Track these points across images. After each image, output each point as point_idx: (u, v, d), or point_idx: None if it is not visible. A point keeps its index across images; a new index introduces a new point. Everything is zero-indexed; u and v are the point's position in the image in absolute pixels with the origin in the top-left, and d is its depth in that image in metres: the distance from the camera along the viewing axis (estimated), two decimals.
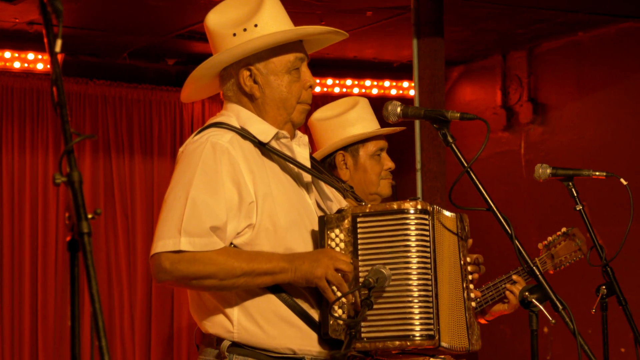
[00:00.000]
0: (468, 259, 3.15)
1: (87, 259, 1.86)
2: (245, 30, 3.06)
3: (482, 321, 3.89)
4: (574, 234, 3.98)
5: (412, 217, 2.94)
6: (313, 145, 3.85)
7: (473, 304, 3.14)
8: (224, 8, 3.13)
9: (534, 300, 2.93)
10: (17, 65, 7.29)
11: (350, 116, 3.94)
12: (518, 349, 7.75)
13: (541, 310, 2.94)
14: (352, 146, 3.93)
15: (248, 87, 3.08)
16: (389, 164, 3.97)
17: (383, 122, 4.03)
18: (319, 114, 3.98)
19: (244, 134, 3.04)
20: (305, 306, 2.98)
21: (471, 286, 3.16)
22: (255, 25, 3.05)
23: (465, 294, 3.10)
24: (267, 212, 2.96)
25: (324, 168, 3.84)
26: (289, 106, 3.10)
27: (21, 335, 7.35)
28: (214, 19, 3.12)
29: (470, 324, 3.09)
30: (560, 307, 2.90)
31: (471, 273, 3.15)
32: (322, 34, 3.18)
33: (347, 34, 3.22)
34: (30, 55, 7.30)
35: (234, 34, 3.07)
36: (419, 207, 2.94)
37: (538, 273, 2.94)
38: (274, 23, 3.07)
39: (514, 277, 3.73)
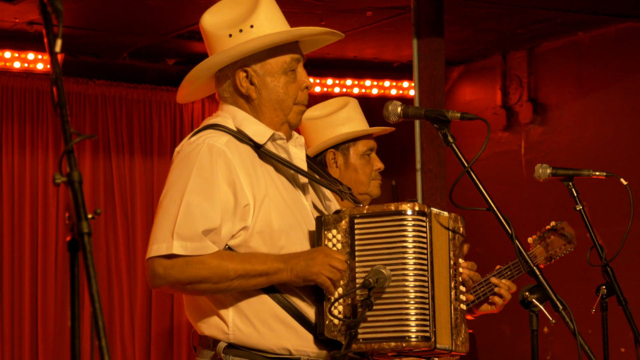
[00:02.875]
0: (461, 261, 3.13)
1: (87, 259, 1.86)
2: (241, 31, 3.05)
3: (469, 317, 3.89)
4: (562, 227, 3.98)
5: (410, 218, 2.93)
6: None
7: (462, 306, 3.10)
8: (220, 9, 3.11)
9: (534, 300, 2.93)
10: (17, 65, 7.28)
11: (340, 115, 3.95)
12: (518, 349, 7.75)
13: (541, 310, 2.93)
14: (342, 145, 3.93)
15: (244, 88, 3.07)
16: (378, 164, 3.97)
17: (373, 122, 4.05)
18: (309, 113, 3.97)
19: (240, 136, 3.03)
20: (300, 307, 2.98)
21: (462, 288, 3.13)
22: (251, 26, 3.04)
23: (452, 294, 3.07)
24: (263, 215, 2.95)
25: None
26: (286, 107, 3.09)
27: (21, 335, 7.35)
28: (210, 20, 3.11)
29: (455, 325, 3.05)
30: (560, 307, 2.89)
31: (461, 274, 3.12)
32: (318, 35, 3.18)
33: (343, 35, 3.21)
34: (30, 55, 7.30)
35: (230, 35, 3.06)
36: (417, 208, 2.94)
37: (538, 273, 2.94)
38: (270, 24, 3.06)
39: (492, 279, 3.67)
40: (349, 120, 3.94)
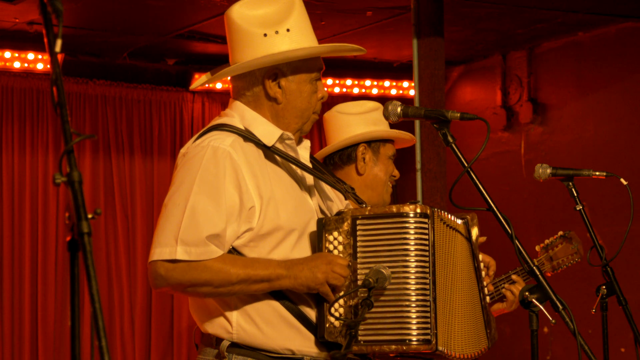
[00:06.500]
0: (480, 257, 3.20)
1: (87, 259, 1.86)
2: (277, 32, 3.02)
3: None
4: (571, 237, 3.98)
5: (412, 220, 2.93)
6: (316, 143, 3.87)
7: (487, 299, 3.21)
8: (251, 3, 3.06)
9: (534, 300, 2.93)
10: (17, 65, 7.28)
11: (374, 116, 4.02)
12: (518, 349, 7.75)
13: (541, 310, 2.94)
14: (374, 142, 3.99)
15: (272, 91, 3.05)
16: (396, 171, 4.06)
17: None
18: (342, 108, 4.04)
19: (248, 135, 3.02)
20: (303, 308, 2.98)
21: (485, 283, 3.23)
22: (288, 30, 3.03)
23: (481, 294, 3.16)
24: (269, 216, 2.95)
25: (342, 159, 3.90)
26: (306, 116, 3.10)
27: (21, 335, 7.35)
28: (241, 13, 3.04)
29: (488, 321, 3.18)
30: (560, 307, 2.89)
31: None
32: (348, 51, 3.20)
33: (365, 50, 3.21)
34: (30, 55, 7.30)
35: (265, 35, 3.02)
36: (419, 210, 2.94)
37: (538, 273, 2.94)
38: (304, 28, 3.05)
39: (513, 276, 3.77)
40: (381, 123, 4.00)
